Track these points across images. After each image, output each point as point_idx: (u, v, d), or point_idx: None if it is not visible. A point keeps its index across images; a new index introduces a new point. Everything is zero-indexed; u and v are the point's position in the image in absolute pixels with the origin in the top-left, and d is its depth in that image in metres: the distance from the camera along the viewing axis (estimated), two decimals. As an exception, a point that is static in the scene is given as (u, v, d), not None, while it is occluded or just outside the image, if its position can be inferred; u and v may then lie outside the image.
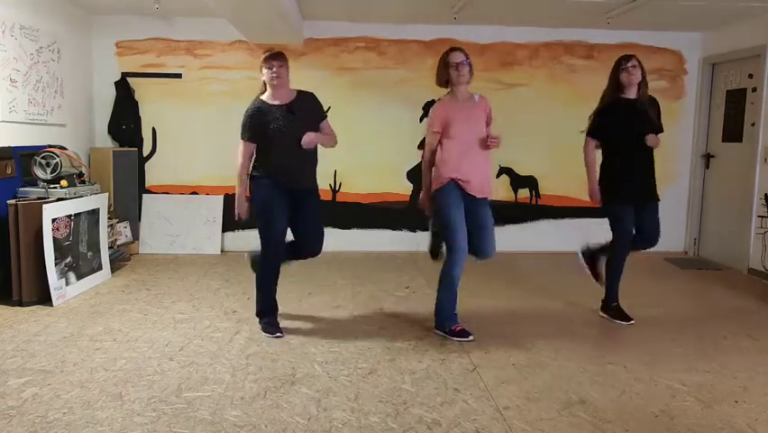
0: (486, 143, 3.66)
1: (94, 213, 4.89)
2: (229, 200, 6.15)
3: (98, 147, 6.08)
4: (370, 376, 3.17)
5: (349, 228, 6.49)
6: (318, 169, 3.86)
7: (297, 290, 4.75)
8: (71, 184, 4.71)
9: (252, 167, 3.77)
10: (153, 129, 6.29)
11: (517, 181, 6.59)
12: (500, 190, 6.44)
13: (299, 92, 3.77)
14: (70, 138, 5.55)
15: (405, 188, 6.50)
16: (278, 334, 3.72)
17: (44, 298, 4.30)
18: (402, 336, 3.78)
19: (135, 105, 6.21)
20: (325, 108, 3.92)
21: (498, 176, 6.44)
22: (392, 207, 6.51)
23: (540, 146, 6.48)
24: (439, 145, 3.72)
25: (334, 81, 6.28)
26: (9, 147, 4.61)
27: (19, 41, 4.78)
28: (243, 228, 6.12)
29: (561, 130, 6.25)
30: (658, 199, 4.05)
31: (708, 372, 3.31)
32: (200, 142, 6.29)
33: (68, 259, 4.51)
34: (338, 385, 3.04)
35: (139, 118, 6.24)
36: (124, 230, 5.79)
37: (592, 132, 4.06)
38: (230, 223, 6.26)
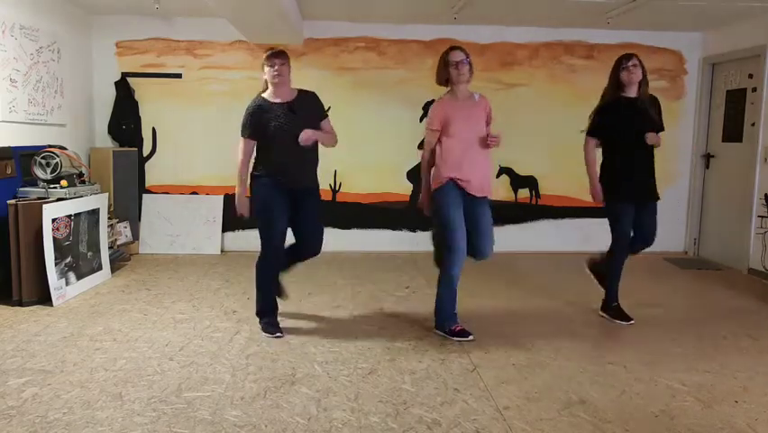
0: (486, 142, 3.66)
1: (94, 213, 4.89)
2: (229, 200, 6.15)
3: (98, 147, 6.08)
4: (370, 376, 3.17)
5: (349, 228, 6.49)
6: (318, 168, 3.86)
7: (297, 290, 4.74)
8: (71, 184, 4.71)
9: (253, 166, 3.77)
10: (153, 129, 6.29)
11: (517, 181, 6.59)
12: (500, 190, 6.43)
13: (301, 91, 3.77)
14: (70, 138, 5.55)
15: (405, 189, 6.50)
16: (278, 334, 3.72)
17: (44, 298, 4.30)
18: (402, 336, 3.78)
19: (135, 105, 6.21)
20: (326, 108, 3.92)
21: (498, 176, 6.44)
22: (392, 207, 6.50)
23: (540, 146, 6.48)
24: (438, 144, 3.72)
25: (334, 81, 6.27)
26: (9, 147, 4.61)
27: (19, 41, 4.78)
28: (243, 228, 6.13)
29: (561, 130, 6.24)
30: (658, 198, 4.05)
31: (708, 372, 3.31)
32: (200, 142, 6.29)
33: (68, 259, 4.51)
34: (338, 385, 3.04)
35: (139, 118, 6.24)
36: (124, 230, 5.79)
37: (592, 131, 4.05)
38: (230, 223, 6.26)
